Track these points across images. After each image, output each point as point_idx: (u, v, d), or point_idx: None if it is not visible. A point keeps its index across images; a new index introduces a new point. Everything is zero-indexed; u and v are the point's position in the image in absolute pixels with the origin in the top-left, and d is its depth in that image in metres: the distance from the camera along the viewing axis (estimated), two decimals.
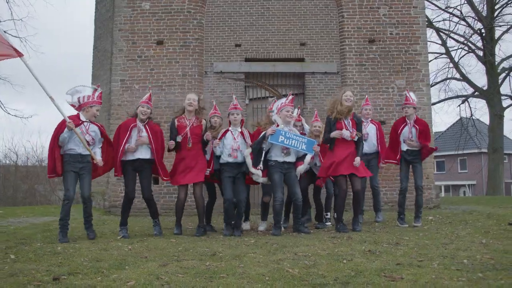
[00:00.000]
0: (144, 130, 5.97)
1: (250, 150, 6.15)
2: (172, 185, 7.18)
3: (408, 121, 6.64)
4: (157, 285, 3.09)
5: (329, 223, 7.08)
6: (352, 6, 10.48)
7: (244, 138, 6.30)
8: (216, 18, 11.16)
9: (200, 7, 10.49)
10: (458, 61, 22.43)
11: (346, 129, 6.14)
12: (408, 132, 6.58)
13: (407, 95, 6.80)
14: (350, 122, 6.17)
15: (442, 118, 75.53)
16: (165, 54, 10.18)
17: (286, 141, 6.03)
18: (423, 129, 6.56)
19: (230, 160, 6.18)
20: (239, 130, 6.35)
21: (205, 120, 6.33)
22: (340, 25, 10.59)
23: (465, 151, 28.29)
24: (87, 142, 5.56)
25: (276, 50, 11.07)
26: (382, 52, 10.44)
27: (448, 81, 23.44)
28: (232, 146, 6.19)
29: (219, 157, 6.30)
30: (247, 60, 10.95)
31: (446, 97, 23.75)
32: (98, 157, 5.70)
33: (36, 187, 23.58)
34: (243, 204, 6.21)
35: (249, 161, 6.10)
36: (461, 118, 23.88)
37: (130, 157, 5.94)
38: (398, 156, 6.71)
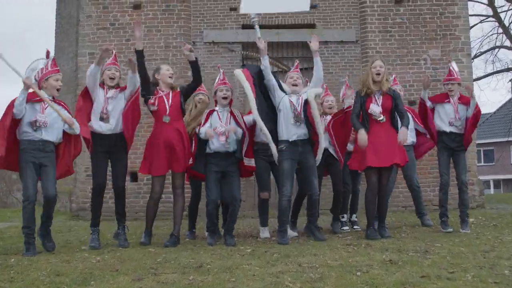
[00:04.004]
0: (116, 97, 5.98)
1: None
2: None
3: (452, 100, 6.66)
4: None
5: (347, 227, 7.11)
6: None
7: (236, 121, 6.22)
8: None
9: None
10: (510, 24, 22.19)
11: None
12: (454, 112, 6.60)
13: (451, 67, 6.78)
14: (381, 98, 6.11)
15: (490, 97, 74.32)
16: (143, 21, 10.11)
17: None
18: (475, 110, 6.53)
19: (218, 145, 6.02)
20: (229, 110, 6.29)
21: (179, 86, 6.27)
22: None
23: None
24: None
25: (281, 15, 10.95)
26: (411, 15, 10.40)
27: (496, 50, 23.22)
28: (218, 130, 6.05)
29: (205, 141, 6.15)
30: (244, 27, 10.77)
31: (494, 70, 23.54)
32: (65, 113, 5.65)
33: None
34: (239, 204, 6.20)
35: (265, 131, 5.98)
36: None
37: (99, 129, 5.91)
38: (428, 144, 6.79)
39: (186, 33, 10.16)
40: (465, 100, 6.62)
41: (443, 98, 6.76)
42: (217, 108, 6.30)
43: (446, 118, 6.63)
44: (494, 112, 37.36)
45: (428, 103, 6.76)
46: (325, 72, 10.64)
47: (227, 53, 10.73)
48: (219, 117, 6.20)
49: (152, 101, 5.95)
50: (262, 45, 6.12)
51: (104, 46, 5.96)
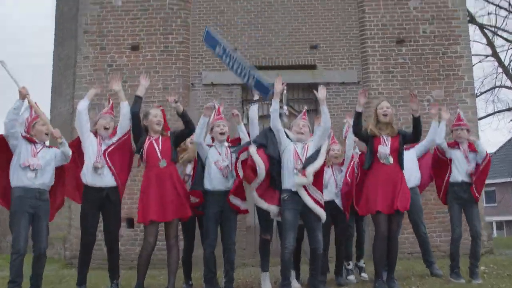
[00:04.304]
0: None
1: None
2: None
3: (461, 147, 6.51)
4: None
5: (353, 277, 6.78)
6: None
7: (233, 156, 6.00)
8: (205, 16, 10.97)
9: (185, 2, 10.58)
10: (509, 64, 22.21)
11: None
12: (465, 160, 6.43)
13: (460, 113, 6.72)
14: (390, 139, 5.94)
15: (491, 137, 74.49)
16: (141, 62, 10.15)
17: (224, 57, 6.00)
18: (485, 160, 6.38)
19: (217, 182, 5.82)
20: (226, 145, 6.10)
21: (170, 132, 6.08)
22: (360, 22, 10.56)
23: None
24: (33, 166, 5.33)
25: (281, 55, 10.88)
26: (413, 55, 10.37)
27: (496, 89, 23.19)
28: (220, 164, 5.86)
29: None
30: None
31: (495, 110, 23.50)
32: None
33: None
34: (234, 249, 5.95)
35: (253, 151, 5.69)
36: None
37: (91, 182, 5.70)
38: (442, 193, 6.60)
39: (184, 74, 10.10)
40: (475, 149, 6.46)
41: (452, 145, 6.60)
42: (214, 144, 6.11)
43: (460, 167, 6.43)
44: (495, 152, 37.10)
45: (448, 153, 6.53)
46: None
47: (226, 95, 10.59)
48: (219, 152, 6.01)
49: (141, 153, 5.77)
50: (280, 87, 5.88)
51: (94, 89, 6.02)
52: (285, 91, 6.26)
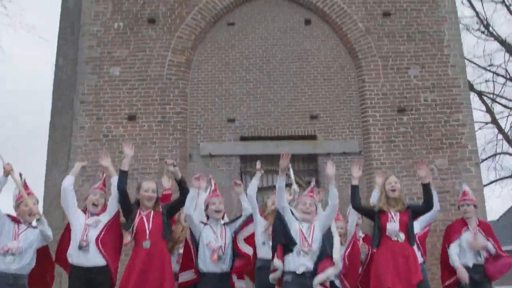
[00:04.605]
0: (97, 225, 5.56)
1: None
2: None
3: (469, 225, 6.34)
4: None
5: None
6: (374, 67, 10.50)
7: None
8: (203, 86, 10.98)
9: (183, 72, 10.62)
10: (509, 130, 22.24)
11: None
12: (472, 239, 6.24)
13: (466, 189, 6.60)
14: (398, 214, 5.71)
15: (494, 204, 74.15)
16: (138, 132, 10.12)
17: None
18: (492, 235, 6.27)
19: (210, 264, 5.58)
20: (222, 223, 5.93)
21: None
22: (360, 91, 10.55)
23: None
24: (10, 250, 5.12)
25: (280, 126, 10.80)
26: (415, 124, 10.32)
27: (498, 156, 23.17)
28: (212, 245, 5.62)
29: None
30: (243, 139, 10.70)
31: (497, 177, 23.37)
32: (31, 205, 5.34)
33: None
34: None
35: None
36: None
37: (76, 261, 5.39)
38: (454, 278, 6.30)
39: (182, 145, 10.02)
40: (485, 227, 6.30)
41: (460, 227, 6.41)
42: (209, 222, 5.89)
43: (469, 251, 6.18)
44: (498, 220, 36.79)
45: (456, 264, 6.25)
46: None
47: (224, 166, 10.48)
48: (213, 231, 5.78)
49: (129, 230, 5.51)
50: (286, 162, 5.62)
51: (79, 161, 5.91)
52: (290, 169, 6.07)
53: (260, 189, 10.57)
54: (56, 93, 13.96)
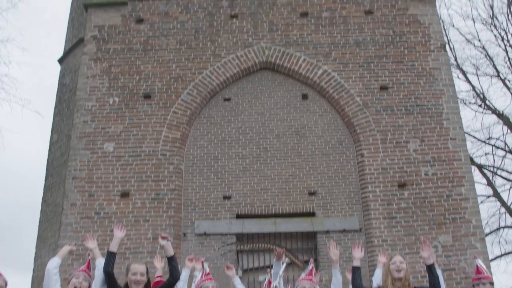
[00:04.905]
0: None
1: None
2: None
3: None
4: None
5: None
6: (373, 142, 10.45)
7: None
8: (198, 163, 10.92)
9: (178, 148, 10.58)
10: None
11: None
12: None
13: (478, 264, 6.06)
14: None
15: (500, 280, 73.16)
16: (131, 210, 10.01)
17: None
18: None
19: None
20: None
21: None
22: (359, 166, 10.46)
23: None
24: None
25: (278, 203, 10.64)
26: (416, 199, 10.18)
27: (501, 230, 22.80)
28: None
29: None
30: (239, 216, 10.53)
31: (502, 252, 22.86)
32: None
33: None
34: None
35: None
36: None
37: None
38: None
39: (176, 223, 9.85)
40: None
41: None
42: None
43: None
44: None
45: None
46: (327, 265, 10.10)
47: (220, 245, 10.25)
48: None
49: None
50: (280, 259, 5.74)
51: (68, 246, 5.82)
52: (284, 264, 5.95)
53: (251, 270, 10.28)
54: (49, 169, 13.86)
